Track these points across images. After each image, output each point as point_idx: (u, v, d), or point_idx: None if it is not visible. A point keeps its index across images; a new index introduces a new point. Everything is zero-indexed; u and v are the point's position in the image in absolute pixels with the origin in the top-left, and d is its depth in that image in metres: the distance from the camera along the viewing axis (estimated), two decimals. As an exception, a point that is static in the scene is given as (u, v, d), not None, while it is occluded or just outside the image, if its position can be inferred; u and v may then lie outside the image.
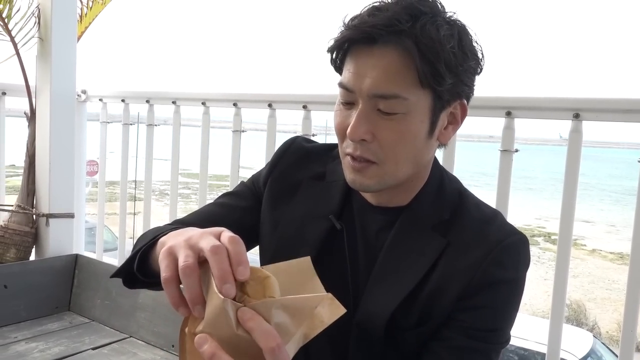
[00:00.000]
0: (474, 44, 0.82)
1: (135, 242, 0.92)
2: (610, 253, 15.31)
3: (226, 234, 0.62)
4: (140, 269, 0.79)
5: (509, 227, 0.87)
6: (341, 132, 0.83)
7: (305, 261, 0.67)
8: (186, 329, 0.64)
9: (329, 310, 0.63)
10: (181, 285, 0.62)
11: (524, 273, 0.86)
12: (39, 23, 2.04)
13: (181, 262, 0.60)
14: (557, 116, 1.43)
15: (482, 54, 0.83)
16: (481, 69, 0.84)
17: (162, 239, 0.73)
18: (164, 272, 0.62)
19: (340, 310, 0.63)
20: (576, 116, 1.37)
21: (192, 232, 0.65)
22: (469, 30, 0.82)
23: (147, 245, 0.79)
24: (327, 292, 0.66)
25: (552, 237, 15.13)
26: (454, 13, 0.82)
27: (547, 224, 17.77)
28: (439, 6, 0.81)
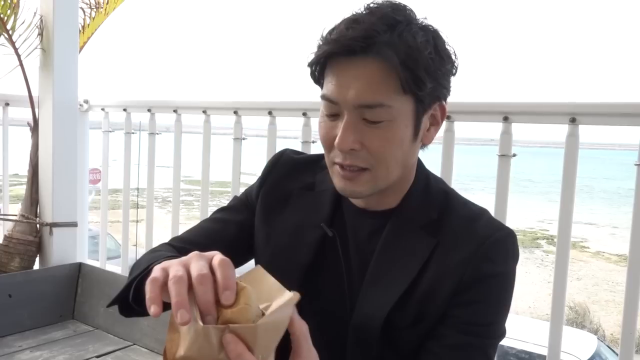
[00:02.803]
0: (447, 47, 0.85)
1: (131, 267, 0.92)
2: (614, 255, 15.26)
3: (217, 257, 0.64)
4: (135, 299, 0.80)
5: (496, 223, 0.89)
6: (328, 143, 0.86)
7: (257, 270, 0.69)
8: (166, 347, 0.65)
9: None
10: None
11: (514, 266, 0.88)
12: (41, 34, 2.06)
13: (171, 274, 0.62)
14: (554, 121, 1.44)
15: (455, 55, 0.86)
16: (456, 70, 0.87)
17: (156, 267, 0.75)
18: (153, 275, 0.63)
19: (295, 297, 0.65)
20: (572, 120, 1.39)
21: (186, 256, 0.66)
22: (441, 34, 0.85)
23: (141, 275, 0.79)
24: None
25: (555, 240, 15.08)
26: (426, 18, 0.85)
27: (549, 227, 17.72)
28: (412, 13, 0.84)
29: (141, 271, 0.80)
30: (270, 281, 0.68)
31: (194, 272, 0.61)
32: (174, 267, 0.63)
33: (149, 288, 0.62)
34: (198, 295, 0.60)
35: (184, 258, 0.65)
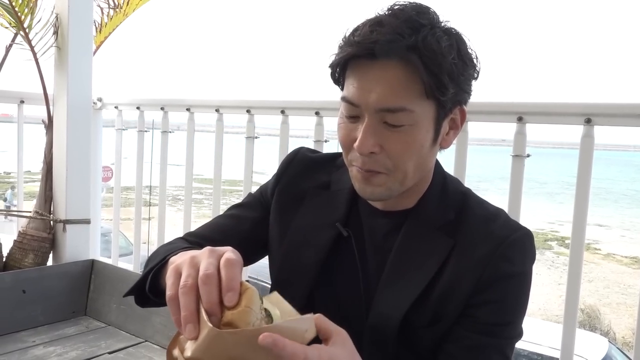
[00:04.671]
0: (469, 50, 0.84)
1: (147, 258, 0.94)
2: (625, 257, 15.13)
3: (226, 255, 0.65)
4: (151, 289, 0.82)
5: (513, 223, 0.89)
6: (347, 145, 0.85)
7: (274, 294, 0.70)
8: (174, 351, 0.66)
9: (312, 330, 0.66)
10: None
11: (531, 266, 0.88)
12: (56, 32, 2.08)
13: (182, 281, 0.63)
14: (568, 121, 1.43)
15: (477, 59, 0.85)
16: (478, 74, 0.86)
17: (172, 259, 0.76)
18: (169, 290, 0.65)
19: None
20: (588, 121, 1.37)
21: (199, 250, 0.67)
22: (464, 37, 0.84)
23: (158, 266, 0.81)
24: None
25: (566, 242, 14.98)
26: (448, 21, 0.84)
27: (560, 228, 17.61)
28: (435, 16, 0.83)
29: (157, 262, 0.82)
30: (287, 307, 0.68)
31: (201, 270, 0.63)
32: (185, 270, 0.64)
33: (170, 309, 0.64)
34: (202, 296, 0.61)
35: (196, 254, 0.66)
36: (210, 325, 0.59)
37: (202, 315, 0.60)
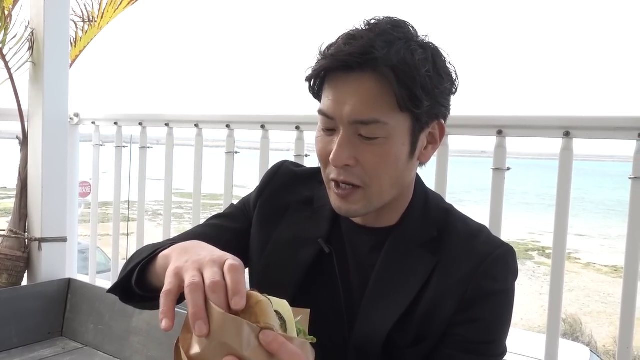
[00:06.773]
0: (448, 65, 0.84)
1: (129, 258, 0.91)
2: (605, 266, 15.34)
3: (228, 262, 0.63)
4: (138, 284, 0.80)
5: (496, 240, 0.89)
6: (324, 158, 0.85)
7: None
8: (180, 344, 0.64)
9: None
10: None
11: (513, 283, 0.88)
12: (32, 48, 2.05)
13: (188, 280, 0.61)
14: (547, 134, 1.45)
15: (455, 74, 0.85)
16: (456, 89, 0.86)
17: (164, 253, 0.75)
18: (167, 286, 0.63)
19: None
20: (566, 134, 1.39)
21: (199, 254, 0.66)
22: (442, 52, 0.84)
23: (146, 260, 0.79)
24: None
25: (547, 252, 15.17)
26: (427, 36, 0.84)
27: (541, 238, 17.81)
28: (412, 30, 0.83)
29: (146, 256, 0.80)
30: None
31: (207, 279, 0.61)
32: (189, 272, 0.63)
33: (163, 300, 0.62)
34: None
35: (198, 260, 0.64)
36: (230, 314, 0.58)
37: (217, 309, 0.59)
